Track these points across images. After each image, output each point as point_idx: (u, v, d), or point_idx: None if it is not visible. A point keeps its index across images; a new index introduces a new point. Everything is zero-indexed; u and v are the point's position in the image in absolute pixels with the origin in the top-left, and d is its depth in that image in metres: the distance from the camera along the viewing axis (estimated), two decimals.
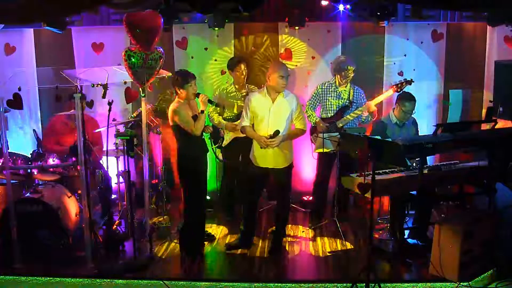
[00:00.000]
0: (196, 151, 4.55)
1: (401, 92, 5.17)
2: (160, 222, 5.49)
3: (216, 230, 5.34)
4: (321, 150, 5.25)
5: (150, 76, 4.62)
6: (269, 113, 4.55)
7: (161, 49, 4.75)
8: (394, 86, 5.23)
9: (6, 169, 4.44)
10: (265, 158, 4.60)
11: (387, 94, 5.33)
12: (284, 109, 4.56)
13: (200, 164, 4.61)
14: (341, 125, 5.28)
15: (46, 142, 5.31)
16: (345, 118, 5.30)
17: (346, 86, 5.39)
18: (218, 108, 5.30)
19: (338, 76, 5.36)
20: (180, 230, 4.83)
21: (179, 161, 4.55)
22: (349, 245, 4.89)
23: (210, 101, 4.66)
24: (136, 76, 4.57)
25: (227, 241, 5.04)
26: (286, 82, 4.51)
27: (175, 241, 4.93)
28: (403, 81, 5.25)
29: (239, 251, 4.79)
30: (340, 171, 5.12)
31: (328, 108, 5.40)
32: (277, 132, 4.42)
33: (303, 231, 5.29)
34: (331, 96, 5.37)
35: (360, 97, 5.42)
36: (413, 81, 5.28)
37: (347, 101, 5.35)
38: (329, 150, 5.18)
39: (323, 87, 5.42)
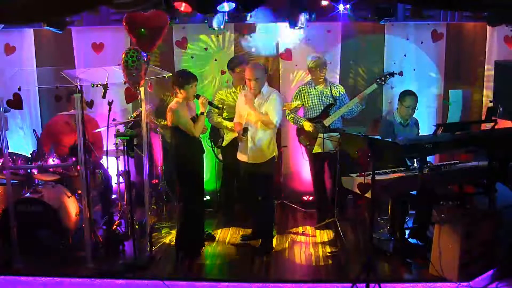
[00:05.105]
0: (193, 151, 4.55)
1: (401, 91, 5.19)
2: (160, 222, 5.50)
3: (216, 230, 5.34)
4: (318, 150, 5.27)
5: (138, 78, 4.48)
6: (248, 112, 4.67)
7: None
8: (378, 80, 5.25)
9: (6, 169, 4.44)
10: (243, 151, 4.72)
11: (372, 88, 5.30)
12: (261, 108, 4.62)
13: (197, 164, 4.60)
14: (328, 123, 5.28)
15: (43, 144, 5.28)
16: (331, 116, 5.30)
17: (325, 85, 5.40)
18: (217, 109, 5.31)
19: (312, 75, 5.39)
20: (177, 230, 4.82)
21: (176, 161, 4.55)
22: (349, 245, 4.88)
23: (210, 103, 4.67)
24: (131, 78, 4.49)
25: (227, 241, 5.05)
26: (255, 84, 4.57)
27: (174, 241, 4.93)
28: (386, 73, 5.31)
29: (238, 252, 4.81)
30: (334, 171, 5.13)
31: (313, 109, 5.38)
32: (246, 129, 4.61)
33: (303, 231, 5.29)
34: (314, 96, 5.36)
35: (342, 93, 5.43)
36: (396, 73, 5.30)
37: (331, 98, 5.36)
38: (320, 150, 5.23)
39: (304, 88, 5.42)
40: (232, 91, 5.47)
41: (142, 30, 4.31)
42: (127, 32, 4.42)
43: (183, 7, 4.70)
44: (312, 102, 5.37)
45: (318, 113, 5.36)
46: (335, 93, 5.36)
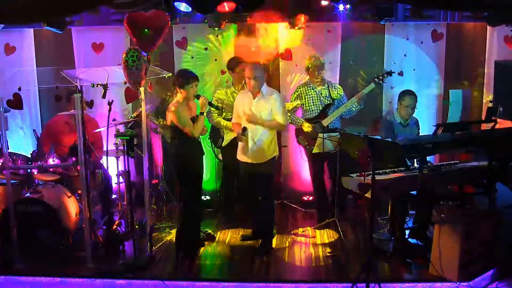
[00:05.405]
0: (192, 152, 4.54)
1: (400, 91, 5.18)
2: (160, 222, 5.50)
3: (216, 230, 5.34)
4: (317, 150, 5.27)
5: (139, 77, 4.45)
6: (248, 111, 4.65)
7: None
8: (376, 79, 5.25)
9: (6, 169, 4.44)
10: (244, 152, 4.71)
11: (370, 87, 5.30)
12: (261, 108, 4.62)
13: (196, 165, 4.59)
14: (327, 123, 5.28)
15: (43, 144, 5.27)
16: (330, 116, 5.29)
17: (323, 85, 5.40)
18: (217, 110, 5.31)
19: (310, 76, 5.39)
20: (177, 230, 4.83)
21: (175, 161, 4.55)
22: (349, 245, 4.88)
23: (210, 104, 4.66)
24: (132, 78, 4.48)
25: (227, 241, 5.05)
26: (255, 83, 4.56)
27: (174, 241, 4.93)
28: (384, 72, 5.29)
29: (238, 252, 4.81)
30: (334, 171, 5.13)
31: (311, 109, 5.38)
32: (245, 129, 4.60)
33: (303, 231, 5.29)
34: (312, 97, 5.36)
35: (341, 95, 5.43)
36: (394, 72, 5.29)
37: (329, 98, 5.36)
38: (320, 150, 5.22)
39: (302, 89, 5.42)
40: (231, 91, 5.47)
41: (146, 30, 4.31)
42: (128, 33, 4.42)
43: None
44: (310, 103, 5.37)
45: (316, 114, 5.36)
46: (334, 95, 5.37)
